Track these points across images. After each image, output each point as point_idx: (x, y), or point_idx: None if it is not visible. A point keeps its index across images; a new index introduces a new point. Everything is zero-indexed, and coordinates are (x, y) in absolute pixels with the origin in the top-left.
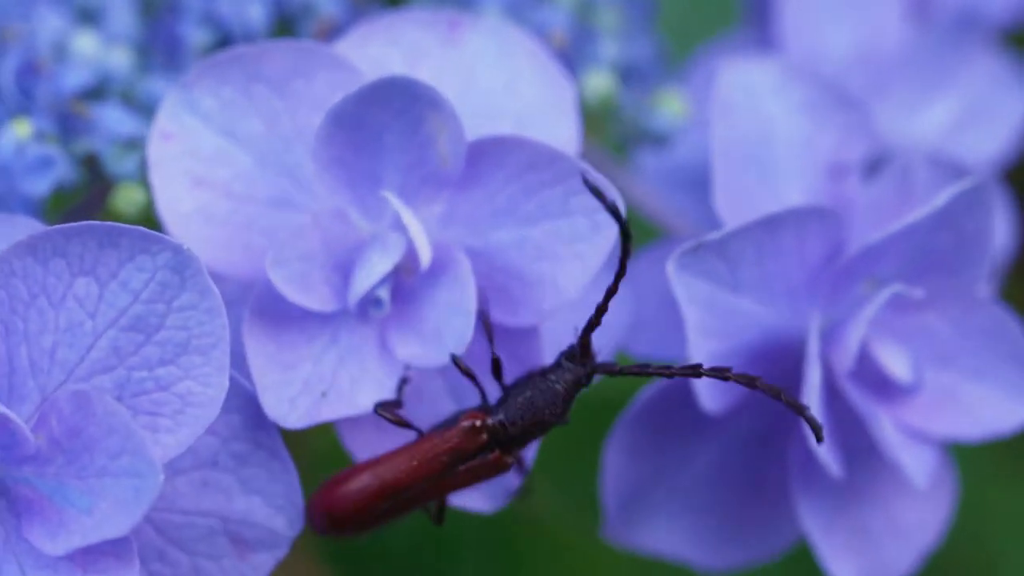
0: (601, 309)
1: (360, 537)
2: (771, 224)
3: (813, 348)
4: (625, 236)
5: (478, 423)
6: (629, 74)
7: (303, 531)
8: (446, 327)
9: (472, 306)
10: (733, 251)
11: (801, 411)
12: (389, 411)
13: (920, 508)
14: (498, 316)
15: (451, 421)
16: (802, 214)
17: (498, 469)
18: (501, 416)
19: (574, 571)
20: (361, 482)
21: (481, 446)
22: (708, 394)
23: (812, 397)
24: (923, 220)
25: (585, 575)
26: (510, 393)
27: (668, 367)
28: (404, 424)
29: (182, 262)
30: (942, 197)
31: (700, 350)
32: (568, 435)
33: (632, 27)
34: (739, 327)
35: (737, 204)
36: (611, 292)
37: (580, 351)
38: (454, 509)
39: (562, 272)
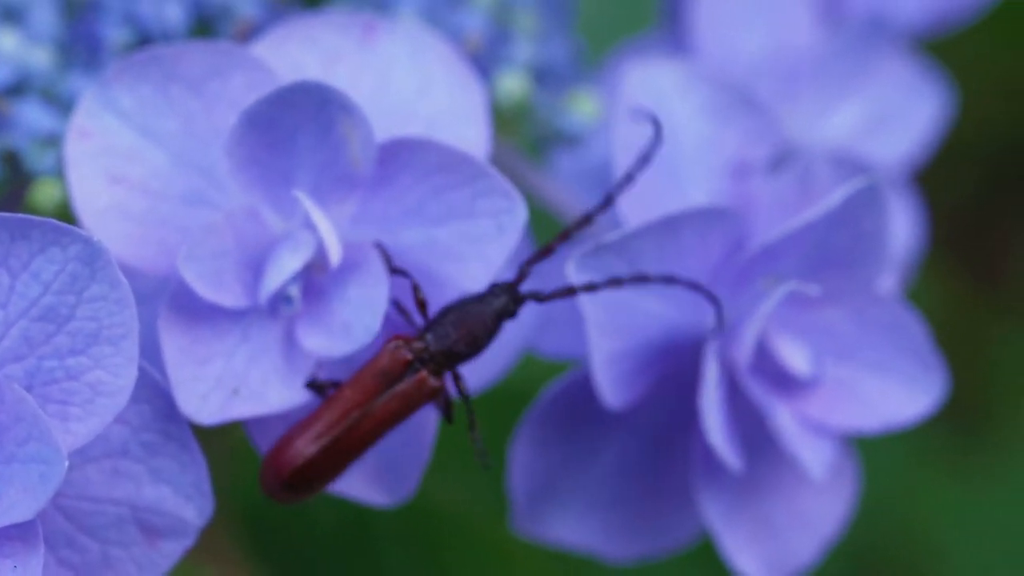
0: (545, 251)
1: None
2: (671, 224)
3: (711, 345)
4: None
5: (401, 342)
6: (544, 75)
7: (225, 525)
8: (356, 321)
9: (384, 302)
10: (633, 251)
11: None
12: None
13: (822, 499)
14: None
15: (375, 353)
16: (702, 214)
17: (425, 392)
18: (427, 336)
19: (491, 562)
20: (306, 433)
21: (406, 365)
22: (612, 391)
23: (709, 392)
24: (819, 219)
25: (502, 566)
26: (436, 317)
27: (593, 284)
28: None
29: (92, 254)
30: (837, 196)
31: (601, 348)
32: (487, 427)
33: (548, 29)
34: (641, 325)
35: (641, 204)
36: (564, 235)
37: (513, 281)
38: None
39: (466, 272)
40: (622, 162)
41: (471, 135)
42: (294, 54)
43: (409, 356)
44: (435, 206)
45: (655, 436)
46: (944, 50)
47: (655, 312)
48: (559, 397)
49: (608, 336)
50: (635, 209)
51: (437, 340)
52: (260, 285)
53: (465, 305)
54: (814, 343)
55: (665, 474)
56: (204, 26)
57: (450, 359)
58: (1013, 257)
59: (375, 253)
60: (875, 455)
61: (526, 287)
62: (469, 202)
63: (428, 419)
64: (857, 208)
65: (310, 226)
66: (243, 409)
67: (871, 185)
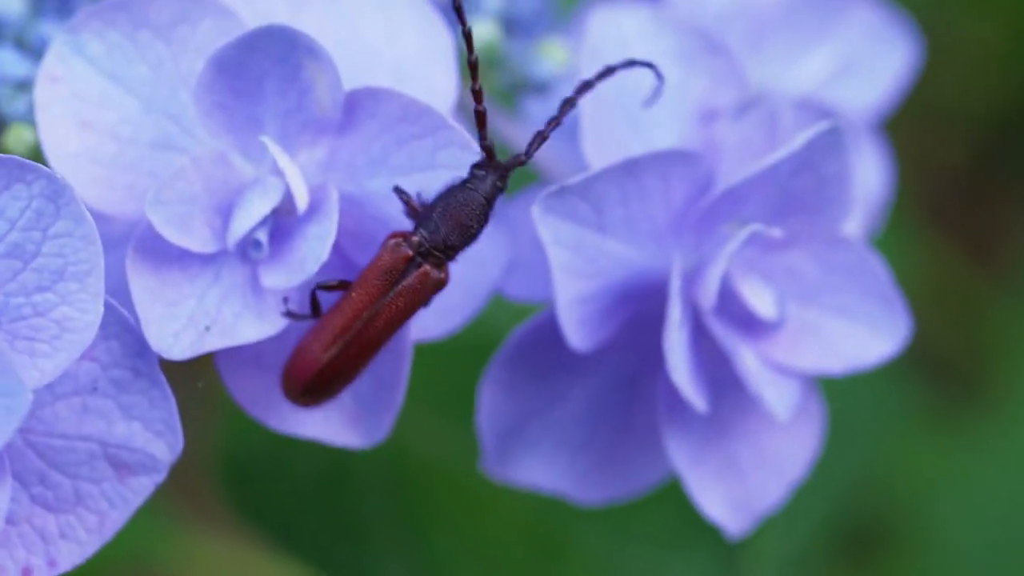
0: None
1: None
2: (633, 166)
3: (675, 285)
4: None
5: (400, 239)
6: (515, 24)
7: (202, 482)
8: (309, 254)
9: (333, 234)
10: (596, 193)
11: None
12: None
13: (789, 441)
14: (366, 261)
15: (377, 253)
16: (664, 157)
17: (430, 284)
18: (423, 229)
19: (469, 507)
20: (320, 338)
21: (407, 261)
22: (576, 333)
23: (674, 333)
24: (782, 162)
25: (479, 511)
26: (429, 209)
27: (570, 99)
28: (314, 315)
29: (56, 191)
30: (799, 140)
31: (567, 290)
32: (464, 374)
33: None
34: (606, 267)
35: (607, 149)
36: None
37: (487, 158)
38: (352, 451)
39: None
40: (587, 109)
41: (440, 81)
42: (261, 1)
43: (409, 252)
44: (399, 156)
45: (623, 378)
46: (941, 26)
47: (620, 255)
48: (526, 340)
49: (575, 278)
50: (601, 153)
51: (431, 233)
52: (228, 229)
53: (451, 194)
54: (779, 286)
55: (633, 416)
56: None
57: (449, 250)
58: (1004, 229)
59: (333, 190)
60: (864, 421)
61: (506, 160)
62: (431, 153)
63: (402, 362)
64: (819, 152)
65: (278, 172)
66: (216, 343)
67: (833, 128)
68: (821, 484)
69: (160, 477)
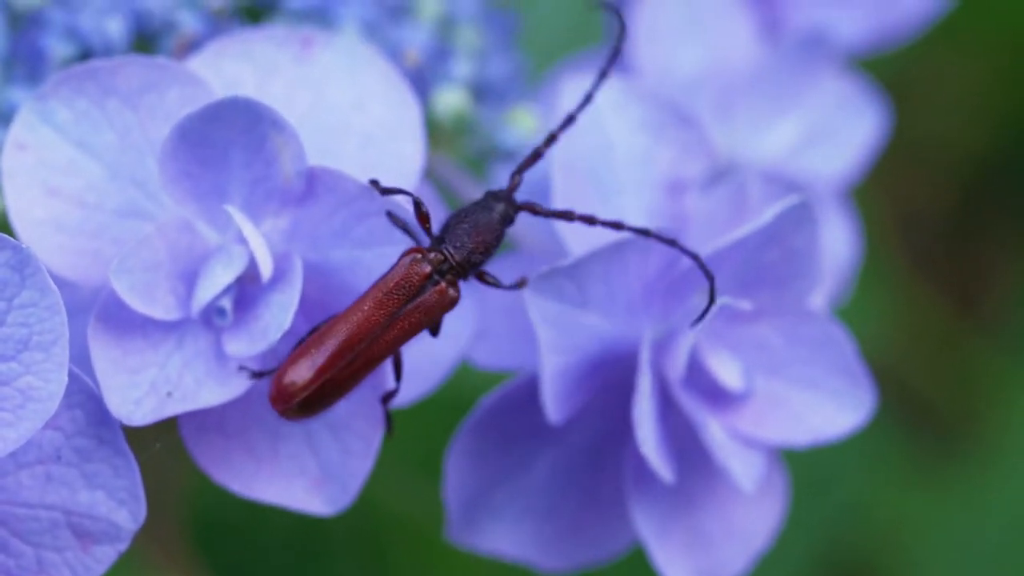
0: (536, 154)
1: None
2: (618, 249)
3: (645, 357)
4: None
5: (418, 256)
6: (485, 91)
7: (175, 531)
8: (272, 322)
9: (296, 302)
10: (582, 274)
11: (694, 258)
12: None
13: (754, 512)
14: None
15: (391, 268)
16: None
17: (445, 302)
18: (442, 247)
19: (439, 566)
20: (320, 351)
21: (425, 278)
22: (554, 405)
23: (643, 404)
24: (750, 236)
25: (454, 571)
26: (445, 228)
27: (591, 217)
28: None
29: (22, 260)
30: (768, 214)
31: (551, 365)
32: (441, 431)
33: (491, 45)
34: (584, 340)
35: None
36: (550, 138)
37: (507, 189)
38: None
39: None
40: (559, 176)
41: (406, 149)
42: (230, 68)
43: (428, 269)
44: (358, 229)
45: (590, 448)
46: (924, 67)
47: (596, 326)
48: (494, 408)
49: (557, 354)
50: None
51: (457, 250)
52: (193, 297)
53: (473, 213)
54: (746, 358)
55: (599, 485)
56: (145, 41)
57: (466, 268)
58: (988, 274)
59: (297, 259)
60: (850, 465)
61: (520, 198)
62: (388, 228)
63: (374, 429)
64: (788, 226)
65: (242, 240)
66: (177, 408)
67: (802, 203)
68: (802, 533)
69: (123, 546)
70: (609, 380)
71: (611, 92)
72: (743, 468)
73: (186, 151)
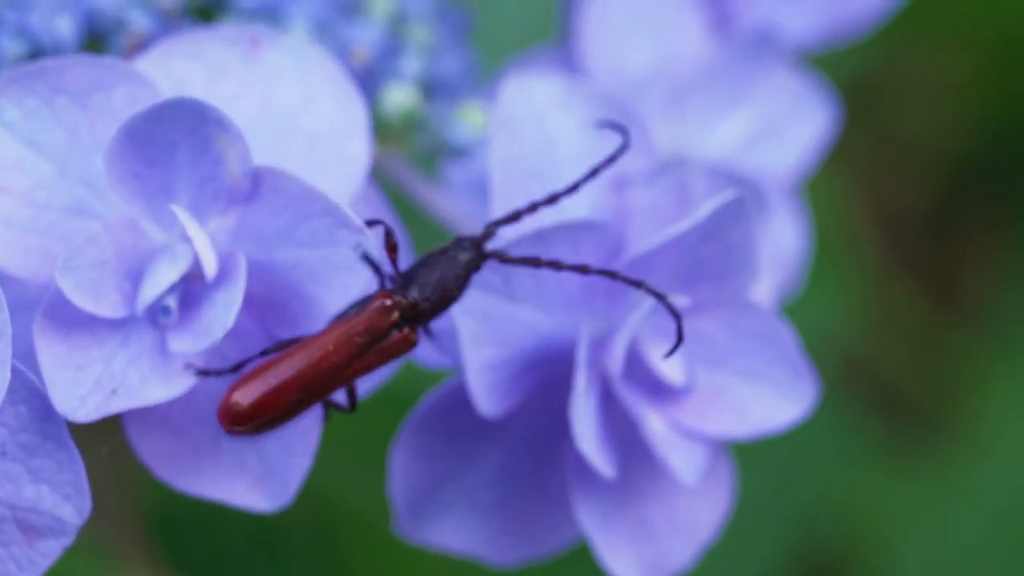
0: (513, 216)
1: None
2: (542, 237)
3: (581, 355)
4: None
5: (388, 302)
6: (435, 88)
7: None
8: (215, 321)
9: (239, 300)
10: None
11: (650, 292)
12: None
13: (700, 504)
14: (277, 329)
15: (358, 305)
16: (572, 227)
17: (406, 347)
18: (412, 294)
19: (396, 561)
20: (277, 378)
21: (392, 324)
22: (486, 400)
23: (580, 402)
24: (687, 232)
25: (410, 565)
26: (414, 273)
27: (558, 263)
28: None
29: None
30: (703, 210)
31: (476, 358)
32: (395, 424)
33: (443, 42)
34: (516, 335)
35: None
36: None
37: (479, 239)
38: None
39: (330, 297)
40: (498, 175)
41: (352, 148)
42: (179, 68)
43: (397, 317)
44: (302, 230)
45: (535, 442)
46: (904, 60)
47: (529, 321)
48: (436, 406)
49: (484, 346)
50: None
51: (425, 300)
52: (138, 295)
53: (439, 261)
54: (688, 351)
55: (546, 479)
56: (96, 40)
57: (429, 315)
58: (969, 267)
59: (240, 257)
60: (826, 458)
61: (490, 246)
62: (330, 231)
63: (312, 426)
64: (725, 221)
65: (187, 239)
66: (122, 405)
67: (737, 198)
68: (776, 524)
69: (68, 540)
70: (551, 375)
71: (553, 90)
72: (684, 461)
73: (133, 151)
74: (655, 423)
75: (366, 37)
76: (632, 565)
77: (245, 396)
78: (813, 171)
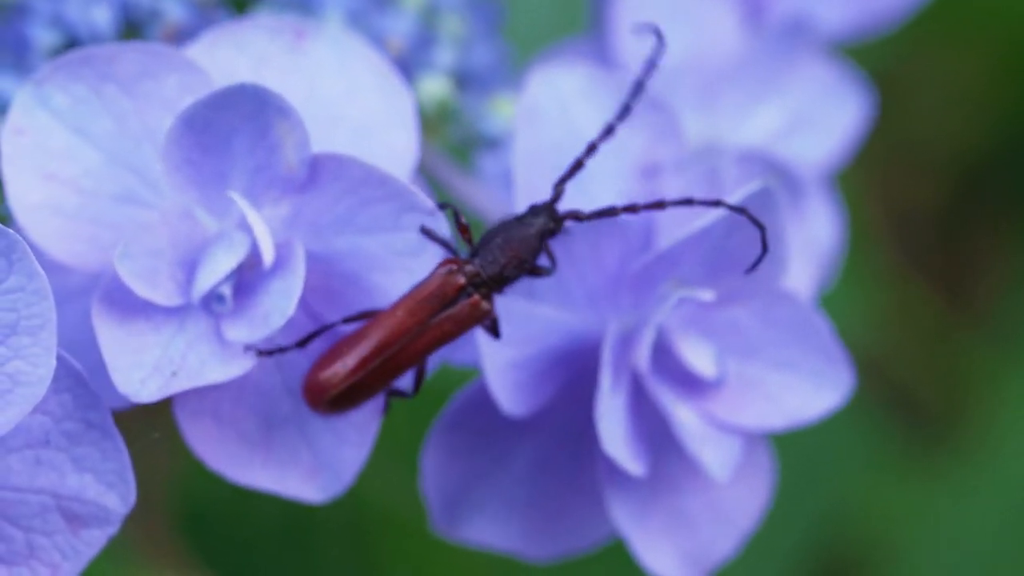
0: (578, 163)
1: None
2: (560, 238)
3: (607, 354)
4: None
5: (453, 267)
6: (469, 79)
7: (164, 524)
8: (274, 309)
9: (299, 289)
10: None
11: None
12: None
13: (739, 493)
14: (333, 318)
15: (426, 277)
16: (590, 227)
17: (477, 313)
18: (478, 260)
19: (430, 557)
20: (352, 352)
21: (459, 289)
22: (510, 399)
23: (604, 402)
24: (715, 224)
25: (440, 561)
26: (482, 241)
27: (634, 206)
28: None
29: (8, 246)
30: (733, 200)
31: (496, 358)
32: (426, 422)
33: (475, 33)
34: (538, 332)
35: None
36: (592, 147)
37: (550, 201)
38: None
39: (392, 283)
40: (522, 167)
41: (399, 139)
42: (225, 58)
43: (463, 281)
44: (363, 216)
45: (568, 438)
46: (917, 62)
47: (553, 320)
48: (467, 404)
49: (503, 346)
50: None
51: (487, 265)
52: (193, 284)
53: (509, 228)
54: (721, 342)
55: (580, 474)
56: (131, 29)
57: (500, 282)
58: (981, 269)
59: (299, 245)
60: (836, 462)
61: (563, 207)
62: (395, 216)
63: (370, 418)
64: (753, 211)
65: (244, 227)
66: (183, 385)
67: (765, 188)
68: (790, 525)
69: (113, 529)
70: (581, 371)
71: (578, 80)
72: (716, 456)
73: (190, 138)
74: (687, 417)
75: (399, 28)
76: (671, 558)
77: (330, 372)
78: (846, 162)
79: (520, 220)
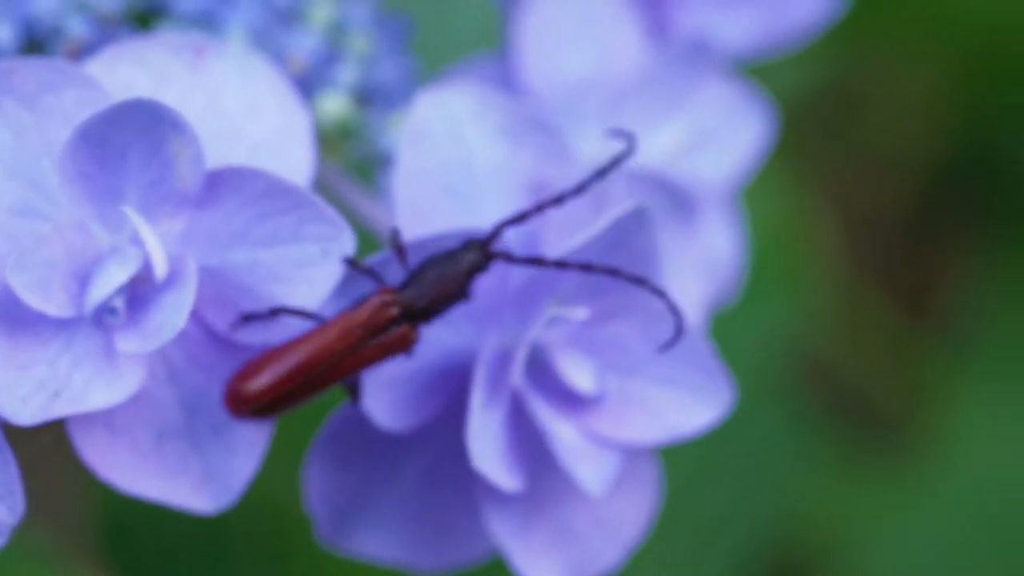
0: (520, 216)
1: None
2: (420, 247)
3: (480, 370)
4: None
5: (387, 298)
6: (373, 96)
7: (78, 534)
8: (165, 322)
9: (190, 302)
10: (392, 275)
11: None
12: None
13: (623, 503)
14: (227, 332)
15: (359, 301)
16: (452, 236)
17: (404, 343)
18: (410, 292)
19: (343, 567)
20: (280, 365)
21: (390, 320)
22: (387, 415)
23: (475, 419)
24: (589, 242)
25: (351, 571)
26: (415, 273)
27: (563, 261)
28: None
29: None
30: (602, 221)
31: (377, 374)
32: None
33: (381, 50)
34: (417, 350)
35: (426, 226)
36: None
37: (485, 239)
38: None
39: (292, 295)
40: (406, 190)
41: (296, 156)
42: (125, 74)
43: (395, 312)
44: (261, 229)
45: (452, 453)
46: (877, 70)
47: (432, 338)
48: (350, 417)
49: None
50: (418, 230)
51: (419, 298)
52: (85, 296)
53: (443, 263)
54: (603, 359)
55: (465, 488)
56: (34, 46)
57: (427, 314)
58: (939, 278)
59: (192, 261)
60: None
61: (497, 247)
62: (295, 227)
63: (259, 433)
64: (628, 229)
65: (137, 241)
66: (65, 409)
67: (637, 208)
68: (739, 531)
69: (2, 540)
70: (464, 387)
71: (469, 103)
72: (593, 470)
73: (85, 152)
74: (565, 432)
75: (305, 45)
76: (556, 568)
77: (252, 381)
78: (758, 179)
79: (453, 255)
